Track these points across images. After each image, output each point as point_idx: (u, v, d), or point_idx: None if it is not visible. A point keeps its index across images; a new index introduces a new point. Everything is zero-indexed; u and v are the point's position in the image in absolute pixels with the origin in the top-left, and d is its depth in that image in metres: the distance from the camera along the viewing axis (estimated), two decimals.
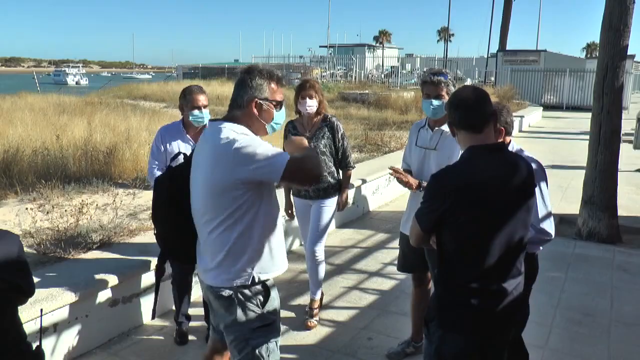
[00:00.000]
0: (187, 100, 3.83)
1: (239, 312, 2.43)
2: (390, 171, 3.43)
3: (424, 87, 3.47)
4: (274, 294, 2.52)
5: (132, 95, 23.83)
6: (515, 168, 2.27)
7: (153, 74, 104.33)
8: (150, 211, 4.09)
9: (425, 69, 36.54)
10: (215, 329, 2.73)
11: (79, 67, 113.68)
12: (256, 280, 2.43)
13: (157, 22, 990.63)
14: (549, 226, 3.03)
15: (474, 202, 2.18)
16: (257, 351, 2.45)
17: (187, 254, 2.61)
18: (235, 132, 2.34)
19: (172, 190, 2.61)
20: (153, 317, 3.52)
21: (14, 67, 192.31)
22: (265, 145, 2.32)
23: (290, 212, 4.45)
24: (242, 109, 2.43)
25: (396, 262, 3.89)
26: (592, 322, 4.46)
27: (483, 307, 2.24)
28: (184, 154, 2.68)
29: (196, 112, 3.80)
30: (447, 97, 3.34)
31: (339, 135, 4.20)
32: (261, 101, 2.42)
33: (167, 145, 3.86)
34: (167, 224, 2.69)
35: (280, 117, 2.53)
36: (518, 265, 2.33)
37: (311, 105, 4.08)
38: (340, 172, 4.37)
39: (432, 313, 2.34)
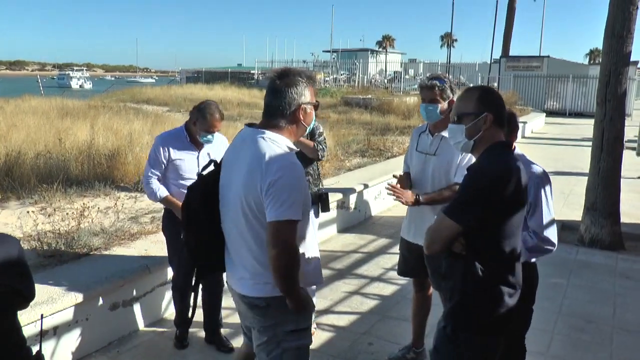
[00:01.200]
0: (205, 120, 3.67)
1: (275, 316, 2.38)
2: (388, 187, 3.43)
3: (421, 91, 3.48)
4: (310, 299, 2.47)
5: (135, 99, 23.92)
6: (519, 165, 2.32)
7: (156, 78, 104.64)
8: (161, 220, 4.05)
9: (427, 74, 36.42)
10: (247, 334, 2.68)
11: (82, 70, 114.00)
12: None
13: (160, 27, 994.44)
14: (553, 235, 3.01)
15: (511, 195, 2.17)
16: (287, 354, 2.41)
17: (221, 262, 2.53)
18: (279, 148, 2.29)
19: (207, 199, 2.49)
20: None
21: (18, 71, 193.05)
22: (303, 186, 2.30)
23: None
24: (286, 116, 2.35)
25: (397, 267, 3.88)
26: (595, 329, 4.44)
27: (511, 304, 2.27)
28: (215, 161, 2.56)
29: (210, 136, 3.70)
30: (442, 102, 3.36)
31: (317, 133, 4.09)
32: (305, 106, 2.37)
33: (170, 155, 3.77)
34: (203, 233, 2.51)
35: (314, 117, 2.52)
36: None
37: None
38: (321, 179, 4.29)
39: (462, 320, 2.28)
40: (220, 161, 2.53)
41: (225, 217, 2.44)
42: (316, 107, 2.46)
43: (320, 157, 4.14)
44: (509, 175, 2.17)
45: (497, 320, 2.27)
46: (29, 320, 3.30)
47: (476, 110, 2.30)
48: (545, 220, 2.97)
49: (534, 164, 3.09)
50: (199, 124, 3.72)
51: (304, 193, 2.32)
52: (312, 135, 4.09)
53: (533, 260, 3.09)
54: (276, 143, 2.31)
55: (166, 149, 3.78)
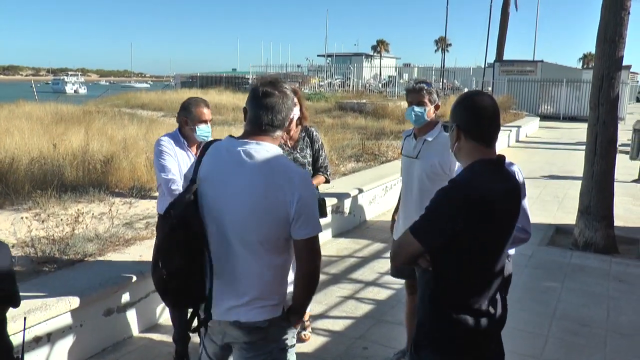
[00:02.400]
0: (192, 114, 3.64)
1: (275, 333, 2.31)
2: None
3: (407, 95, 3.53)
4: None
5: (129, 104, 23.89)
6: (514, 183, 2.18)
7: (151, 83, 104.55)
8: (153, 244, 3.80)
9: (423, 79, 36.53)
10: None
11: (77, 75, 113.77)
12: (286, 309, 2.31)
13: (155, 32, 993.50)
14: (528, 225, 3.05)
15: (486, 219, 2.02)
16: None
17: (198, 294, 2.29)
18: (285, 159, 2.26)
19: (187, 225, 2.22)
20: None
21: (12, 76, 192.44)
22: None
23: None
24: (282, 127, 2.30)
25: (390, 269, 3.90)
26: (589, 332, 4.45)
27: (481, 327, 2.13)
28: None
29: (203, 126, 3.62)
30: (429, 105, 3.43)
31: (317, 146, 4.13)
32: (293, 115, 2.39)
33: (177, 154, 3.68)
34: (180, 263, 2.22)
35: None
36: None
37: (297, 114, 3.94)
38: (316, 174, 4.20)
39: (424, 340, 2.17)
40: (193, 179, 2.28)
41: (221, 242, 2.23)
42: None
43: (329, 180, 4.26)
44: (479, 197, 2.00)
45: (457, 344, 2.12)
46: (21, 327, 3.28)
47: (450, 121, 2.21)
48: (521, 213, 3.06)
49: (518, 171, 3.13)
50: (189, 121, 3.67)
51: None
52: (316, 156, 4.13)
53: (511, 252, 3.16)
54: (278, 153, 2.26)
55: (173, 147, 3.68)
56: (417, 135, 3.55)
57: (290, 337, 2.37)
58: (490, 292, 2.17)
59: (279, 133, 2.31)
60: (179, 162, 3.67)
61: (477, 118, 2.14)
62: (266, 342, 2.30)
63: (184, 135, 3.76)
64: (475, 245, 2.05)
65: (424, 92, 3.43)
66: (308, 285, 2.26)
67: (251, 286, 2.23)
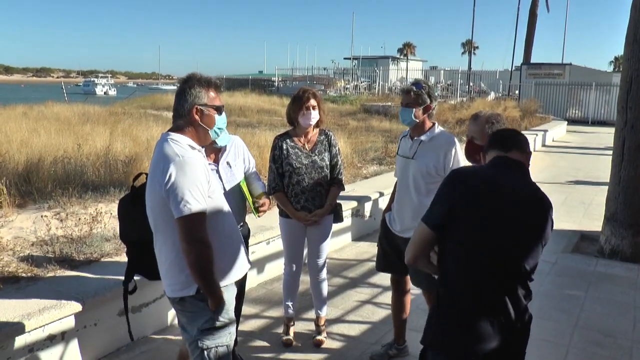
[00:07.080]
0: None
1: (190, 313, 2.50)
2: None
3: (401, 95, 3.66)
4: (229, 298, 2.55)
5: (156, 106, 24.13)
6: (532, 192, 2.19)
7: (178, 85, 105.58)
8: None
9: (449, 82, 36.52)
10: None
11: (107, 77, 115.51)
12: (201, 291, 2.47)
13: (183, 35, 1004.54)
14: None
15: (485, 204, 2.12)
16: (205, 353, 2.49)
17: (153, 270, 2.65)
18: (179, 147, 2.42)
19: (136, 211, 2.68)
20: (132, 339, 3.39)
21: (44, 78, 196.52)
22: (195, 179, 2.36)
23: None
24: (184, 117, 2.50)
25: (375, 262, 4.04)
26: (613, 343, 4.31)
27: (485, 331, 2.11)
28: (146, 174, 2.69)
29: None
30: (417, 106, 3.50)
31: (335, 150, 4.06)
32: (201, 107, 2.50)
33: None
34: (136, 242, 2.81)
35: (222, 122, 2.61)
36: (520, 294, 2.17)
37: (316, 117, 3.92)
38: (331, 188, 4.07)
39: (430, 341, 2.23)
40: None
41: (150, 222, 2.58)
42: (218, 111, 2.57)
43: (344, 188, 4.20)
44: (481, 180, 2.18)
45: (459, 346, 2.13)
46: (36, 325, 3.31)
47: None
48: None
49: None
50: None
51: (202, 184, 2.39)
52: (333, 161, 4.05)
53: None
54: (177, 142, 2.44)
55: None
56: (412, 135, 3.61)
57: (211, 319, 2.48)
58: (494, 295, 2.13)
59: (182, 123, 2.51)
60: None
61: (495, 136, 2.44)
62: (184, 314, 2.53)
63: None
64: (470, 237, 2.11)
65: (412, 93, 3.49)
66: (189, 266, 2.39)
67: (162, 264, 2.53)
